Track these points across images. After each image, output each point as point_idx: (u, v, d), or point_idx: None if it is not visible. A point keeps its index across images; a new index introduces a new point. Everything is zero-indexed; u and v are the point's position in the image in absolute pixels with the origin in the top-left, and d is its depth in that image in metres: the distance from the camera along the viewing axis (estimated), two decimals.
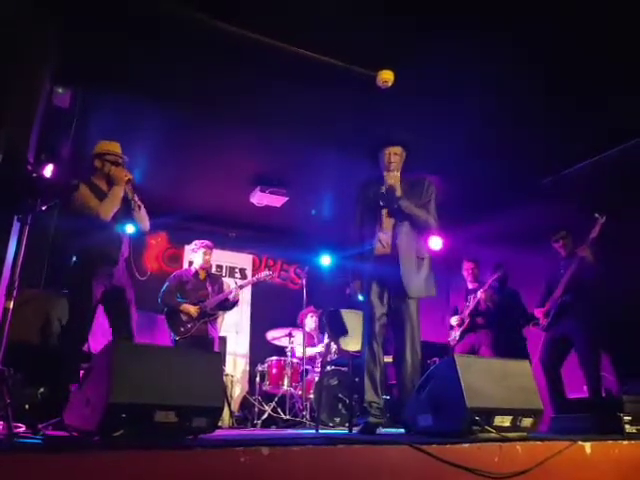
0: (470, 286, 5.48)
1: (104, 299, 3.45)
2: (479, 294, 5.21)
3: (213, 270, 5.76)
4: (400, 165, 3.47)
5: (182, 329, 4.94)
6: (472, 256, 5.60)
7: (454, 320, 5.36)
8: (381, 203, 3.35)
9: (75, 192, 3.42)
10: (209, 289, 5.17)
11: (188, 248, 6.54)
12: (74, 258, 3.45)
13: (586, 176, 5.32)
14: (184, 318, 4.98)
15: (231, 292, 5.16)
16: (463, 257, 5.66)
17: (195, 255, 5.29)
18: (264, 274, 5.57)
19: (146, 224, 3.69)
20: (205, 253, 5.23)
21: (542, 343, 4.65)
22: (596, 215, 4.41)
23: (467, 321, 5.27)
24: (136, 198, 3.59)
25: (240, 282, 5.52)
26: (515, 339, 5.23)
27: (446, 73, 4.08)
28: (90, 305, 3.34)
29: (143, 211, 3.65)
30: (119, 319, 3.47)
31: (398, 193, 3.33)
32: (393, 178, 3.40)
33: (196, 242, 5.31)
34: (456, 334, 5.34)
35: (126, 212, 3.55)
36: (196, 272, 5.24)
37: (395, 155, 3.44)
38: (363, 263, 3.37)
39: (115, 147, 3.65)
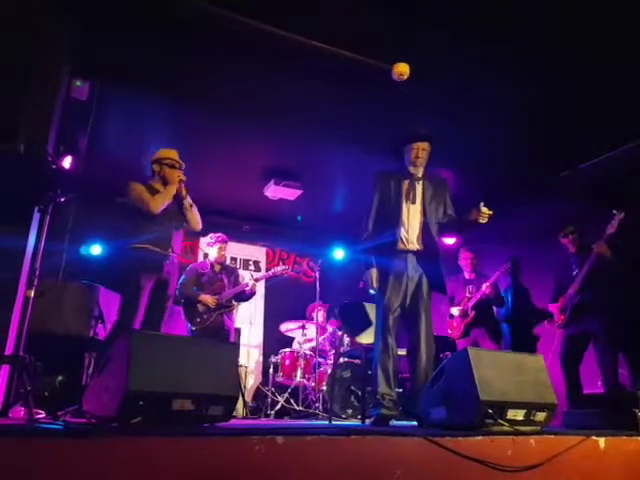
0: (468, 276, 5.43)
1: (150, 291, 3.54)
2: (484, 287, 5.15)
3: (227, 262, 5.79)
4: (426, 160, 3.46)
5: (199, 319, 5.00)
6: (470, 245, 5.55)
7: (455, 310, 5.32)
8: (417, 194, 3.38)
9: (130, 187, 3.58)
10: (225, 281, 5.22)
11: (203, 241, 6.59)
12: (125, 253, 3.56)
13: (603, 170, 5.26)
14: (201, 309, 5.04)
15: (247, 284, 5.21)
16: (461, 246, 5.62)
17: (211, 249, 5.33)
18: (280, 268, 5.61)
19: (197, 223, 3.85)
20: (221, 247, 5.28)
21: (561, 341, 4.60)
22: (614, 211, 4.35)
23: (472, 314, 5.23)
24: (189, 198, 3.76)
25: (256, 275, 5.56)
26: (526, 336, 5.20)
27: (463, 68, 4.06)
28: (139, 300, 3.43)
29: (195, 211, 3.81)
30: (154, 311, 3.55)
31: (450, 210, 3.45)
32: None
33: (211, 235, 5.35)
34: (459, 326, 5.28)
35: (178, 210, 3.72)
36: (212, 265, 5.29)
37: (423, 151, 3.43)
38: (380, 256, 3.35)
39: (173, 154, 3.83)
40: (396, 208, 3.36)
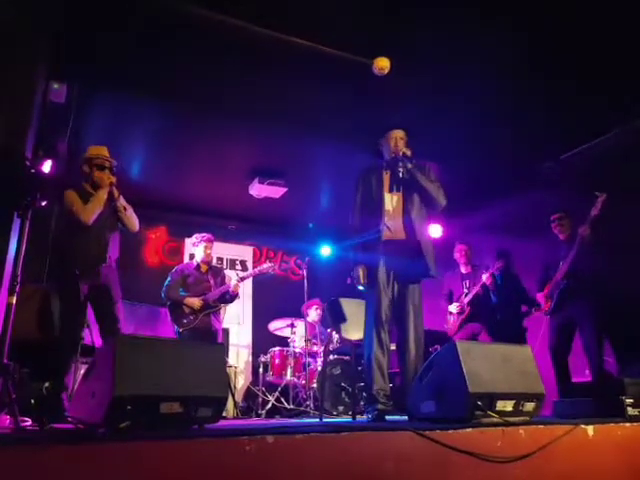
0: (464, 270, 5.46)
1: (91, 297, 3.54)
2: (478, 286, 5.20)
3: (214, 262, 5.76)
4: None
5: (185, 321, 4.96)
6: (464, 239, 5.58)
7: (453, 307, 5.36)
8: (400, 171, 3.30)
9: (63, 196, 3.54)
10: (211, 282, 5.18)
11: (189, 241, 6.55)
12: (62, 255, 3.57)
13: (586, 160, 5.31)
14: (187, 310, 5.00)
15: (229, 285, 5.17)
16: (455, 240, 5.66)
17: (196, 249, 5.29)
18: (266, 266, 5.56)
19: (133, 225, 3.78)
20: (206, 247, 5.24)
21: (549, 330, 4.64)
22: (597, 193, 4.39)
23: (467, 310, 5.26)
24: (121, 200, 3.68)
25: (242, 274, 5.53)
26: (516, 327, 5.24)
27: (445, 59, 4.06)
28: (77, 301, 3.44)
29: (130, 212, 3.74)
30: (104, 319, 3.56)
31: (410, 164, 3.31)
32: (407, 150, 3.35)
33: (197, 235, 5.31)
34: (455, 322, 5.32)
35: (113, 213, 3.66)
36: (198, 265, 5.25)
37: (401, 140, 3.43)
38: (367, 251, 3.34)
39: (102, 151, 3.74)
40: (379, 200, 3.36)
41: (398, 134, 3.44)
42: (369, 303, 3.32)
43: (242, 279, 5.33)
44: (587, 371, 4.45)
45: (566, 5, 3.53)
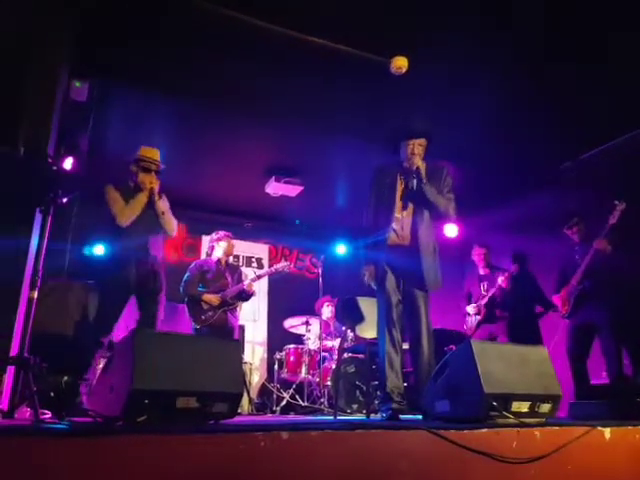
0: (482, 272, 5.44)
1: (136, 293, 3.62)
2: (494, 288, 5.18)
3: (230, 260, 5.81)
4: (423, 156, 3.43)
5: (203, 317, 5.01)
6: (483, 241, 5.56)
7: (471, 309, 5.35)
8: (410, 184, 3.29)
9: (106, 194, 3.62)
10: (229, 279, 5.23)
11: (206, 238, 6.60)
12: (106, 254, 3.72)
13: (605, 161, 5.24)
14: (205, 307, 5.05)
15: (244, 284, 5.22)
16: (474, 242, 5.63)
17: (218, 245, 5.34)
18: (282, 265, 5.59)
19: (171, 229, 3.84)
20: (229, 242, 5.30)
21: (567, 333, 4.60)
22: (615, 202, 4.33)
23: (483, 312, 5.25)
24: (161, 204, 3.74)
25: (258, 272, 5.56)
26: (530, 327, 5.20)
27: (462, 59, 4.04)
28: (118, 299, 3.54)
29: (168, 216, 3.81)
30: (144, 316, 3.64)
31: (423, 178, 3.30)
32: (419, 163, 3.34)
33: (219, 232, 5.36)
34: (473, 322, 5.32)
35: (153, 217, 3.72)
36: (217, 261, 5.30)
37: (419, 146, 3.41)
38: (377, 251, 3.36)
39: (151, 153, 3.79)
40: (390, 204, 3.37)
41: (418, 141, 3.41)
42: (380, 303, 3.34)
43: (258, 277, 5.37)
44: (604, 373, 4.39)
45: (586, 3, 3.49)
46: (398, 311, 3.27)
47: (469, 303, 5.44)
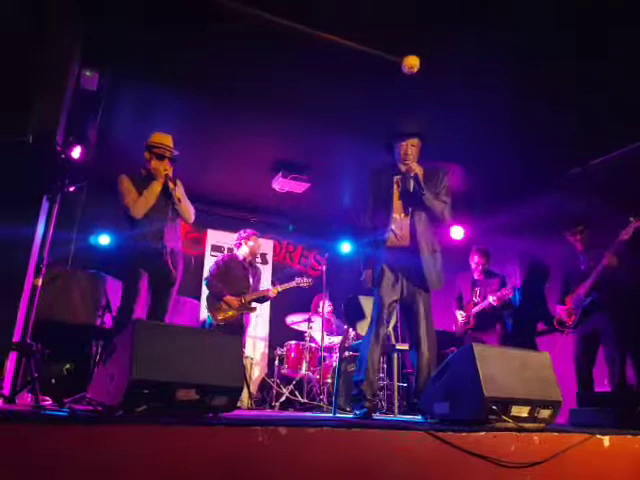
0: (476, 277, 5.42)
1: (150, 282, 3.59)
2: (485, 304, 5.14)
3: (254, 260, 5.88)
4: (417, 157, 3.44)
5: (220, 317, 5.16)
6: (482, 247, 5.52)
7: (460, 315, 5.34)
8: (408, 187, 3.31)
9: (118, 185, 3.56)
10: (251, 280, 5.34)
11: (212, 232, 6.66)
12: (125, 243, 3.63)
13: (615, 168, 5.20)
14: (224, 307, 5.18)
15: (270, 290, 5.39)
16: (475, 245, 5.61)
17: (246, 243, 5.39)
18: (305, 281, 5.67)
19: (189, 216, 3.79)
20: (256, 242, 5.42)
21: (573, 341, 4.58)
22: (630, 218, 4.29)
23: (472, 322, 5.23)
24: (177, 191, 3.67)
25: (283, 287, 5.57)
26: (529, 340, 5.19)
27: (470, 60, 4.02)
28: (138, 288, 3.50)
29: (185, 203, 3.75)
30: (157, 303, 3.61)
31: (423, 186, 3.31)
32: (417, 168, 3.35)
33: (246, 230, 5.47)
34: (460, 328, 5.30)
35: (167, 205, 3.66)
36: (244, 260, 5.36)
37: (412, 147, 3.40)
38: (375, 251, 3.36)
39: (164, 139, 3.74)
40: (388, 205, 3.36)
41: (410, 141, 3.41)
42: (374, 303, 3.34)
43: (281, 290, 5.48)
44: (606, 381, 4.38)
45: (597, 7, 3.46)
46: (389, 311, 3.29)
47: (459, 305, 5.44)
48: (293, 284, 5.68)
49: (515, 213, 5.96)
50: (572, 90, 4.31)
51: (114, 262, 3.99)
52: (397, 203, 3.37)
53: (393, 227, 3.33)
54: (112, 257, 4.01)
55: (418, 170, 3.33)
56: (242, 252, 5.37)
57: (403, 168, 3.39)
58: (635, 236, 4.26)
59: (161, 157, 3.66)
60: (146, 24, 3.81)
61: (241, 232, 5.47)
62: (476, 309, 5.22)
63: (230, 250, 6.42)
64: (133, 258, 3.52)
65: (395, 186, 3.40)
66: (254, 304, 5.37)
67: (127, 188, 3.57)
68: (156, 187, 3.59)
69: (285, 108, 4.85)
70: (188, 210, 3.77)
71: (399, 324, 4.57)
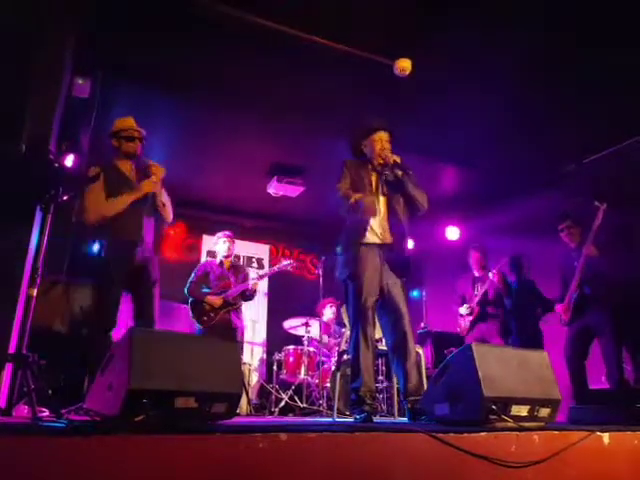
0: (477, 274, 5.46)
1: (128, 281, 3.48)
2: (486, 285, 5.21)
3: (234, 261, 5.83)
4: (390, 151, 3.38)
5: (205, 318, 5.08)
6: (479, 244, 5.57)
7: (463, 309, 5.36)
8: (386, 173, 3.29)
9: (91, 184, 3.46)
10: (231, 279, 5.26)
11: (207, 238, 6.62)
12: (96, 246, 3.56)
13: (609, 165, 5.23)
14: (207, 308, 5.10)
15: (248, 284, 5.24)
16: (469, 245, 5.64)
17: (217, 245, 5.38)
18: (284, 263, 5.61)
19: (168, 216, 3.71)
20: (225, 242, 5.33)
21: (565, 337, 4.60)
22: (596, 203, 4.34)
23: (476, 310, 5.26)
24: (161, 196, 3.60)
25: (261, 272, 5.58)
26: (532, 330, 5.20)
27: (467, 59, 4.03)
28: (114, 291, 3.41)
29: (168, 207, 3.68)
30: (142, 301, 3.51)
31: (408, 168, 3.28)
32: (394, 157, 3.29)
33: (218, 234, 5.42)
34: (466, 323, 5.32)
35: (150, 199, 3.57)
36: (221, 262, 5.34)
37: (387, 142, 3.38)
38: (354, 248, 3.29)
39: (128, 122, 3.66)
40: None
41: (383, 136, 3.38)
42: (355, 299, 3.20)
43: (261, 277, 5.39)
44: (604, 378, 4.39)
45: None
46: (372, 309, 3.18)
47: (462, 303, 5.45)
48: (275, 269, 5.67)
49: (510, 212, 5.99)
50: (570, 88, 4.33)
51: (93, 266, 3.87)
52: (375, 196, 3.32)
53: (371, 221, 3.28)
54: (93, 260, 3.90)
55: (397, 157, 3.28)
56: (220, 255, 5.37)
57: (381, 160, 3.33)
58: (606, 220, 4.29)
59: (131, 139, 3.59)
60: (139, 30, 3.82)
61: (214, 238, 5.48)
62: (478, 297, 5.27)
63: None
64: (107, 259, 3.43)
65: (373, 179, 3.38)
66: (241, 302, 5.31)
67: (91, 187, 3.45)
68: (128, 199, 3.46)
69: (278, 112, 4.86)
70: (169, 213, 3.71)
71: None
